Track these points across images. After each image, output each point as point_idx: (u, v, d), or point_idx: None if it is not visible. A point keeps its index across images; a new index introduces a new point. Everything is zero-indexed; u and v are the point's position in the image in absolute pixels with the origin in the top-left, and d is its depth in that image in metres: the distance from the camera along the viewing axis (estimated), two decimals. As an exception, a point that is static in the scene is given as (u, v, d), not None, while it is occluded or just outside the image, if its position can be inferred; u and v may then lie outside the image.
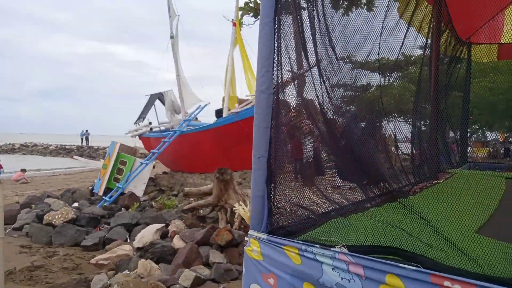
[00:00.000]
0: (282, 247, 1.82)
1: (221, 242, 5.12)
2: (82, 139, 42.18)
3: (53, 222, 6.80)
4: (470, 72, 5.77)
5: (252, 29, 13.38)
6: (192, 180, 10.90)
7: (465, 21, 4.83)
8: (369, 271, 1.49)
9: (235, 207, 6.48)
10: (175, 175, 11.73)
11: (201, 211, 7.58)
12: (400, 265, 1.42)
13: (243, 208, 5.29)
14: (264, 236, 1.92)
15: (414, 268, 1.39)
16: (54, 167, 25.06)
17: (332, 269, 1.61)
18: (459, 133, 5.70)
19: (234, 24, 11.90)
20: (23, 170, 17.35)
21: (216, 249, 5.10)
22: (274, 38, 2.04)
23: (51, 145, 43.07)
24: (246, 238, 5.67)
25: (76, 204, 8.60)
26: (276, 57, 2.07)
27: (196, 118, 12.90)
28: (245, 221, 6.54)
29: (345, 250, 1.58)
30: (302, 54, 2.34)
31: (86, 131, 42.76)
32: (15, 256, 5.61)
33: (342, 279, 1.57)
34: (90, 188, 10.81)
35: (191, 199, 8.57)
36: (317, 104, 2.29)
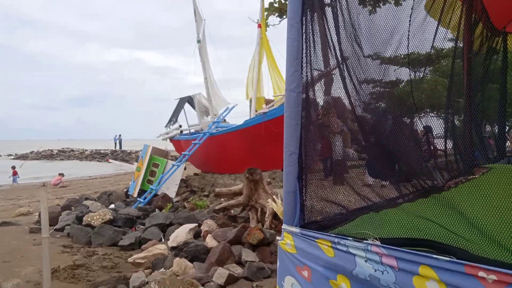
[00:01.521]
0: (315, 240, 1.85)
1: (253, 241, 5.19)
2: (115, 143, 43.60)
3: (91, 223, 7.11)
4: (506, 63, 5.53)
5: (277, 29, 13.41)
6: (222, 181, 11.05)
7: (499, 10, 4.65)
8: (402, 263, 1.50)
9: (266, 205, 6.54)
10: (205, 176, 11.94)
11: (232, 211, 7.69)
12: (434, 256, 1.42)
13: (275, 204, 5.34)
14: (297, 230, 1.96)
15: (448, 259, 1.39)
16: (90, 171, 26.11)
17: (365, 261, 1.62)
18: (496, 127, 5.48)
19: (259, 26, 11.98)
20: (61, 175, 18.23)
21: (248, 248, 5.17)
22: (302, 39, 2.08)
23: (86, 150, 44.84)
24: (278, 238, 5.71)
25: (112, 206, 8.94)
26: (304, 57, 2.11)
27: (225, 120, 13.07)
28: (276, 220, 6.59)
29: (377, 243, 1.59)
30: (330, 52, 2.36)
31: (119, 135, 44.17)
32: (58, 255, 5.91)
33: (375, 270, 1.59)
34: (125, 190, 11.19)
35: (222, 199, 8.70)
36: (346, 101, 2.30)
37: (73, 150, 46.46)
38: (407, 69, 2.89)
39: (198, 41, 12.85)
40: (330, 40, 2.33)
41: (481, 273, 1.32)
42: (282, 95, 11.26)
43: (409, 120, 3.10)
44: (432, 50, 3.02)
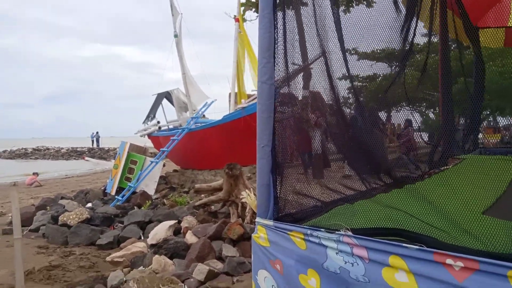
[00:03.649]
0: (288, 233, 1.86)
1: (233, 236, 5.19)
2: (92, 141, 42.68)
3: (68, 223, 6.95)
4: (480, 57, 5.68)
5: (254, 24, 13.37)
6: (202, 177, 10.99)
7: (473, 5, 4.76)
8: (373, 253, 1.53)
9: (243, 197, 6.54)
10: (185, 173, 11.84)
11: (213, 206, 7.65)
12: (404, 245, 1.45)
13: (249, 197, 5.34)
14: (271, 222, 1.96)
15: (417, 247, 1.42)
16: (67, 169, 25.48)
17: (336, 253, 1.64)
18: (469, 119, 5.64)
19: (237, 20, 11.91)
20: (36, 174, 17.68)
21: (228, 243, 5.17)
22: (274, 29, 2.07)
23: (62, 148, 43.67)
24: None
25: (89, 205, 8.76)
26: (278, 48, 2.10)
27: (204, 115, 12.97)
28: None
29: (349, 233, 1.61)
30: (304, 45, 2.37)
31: (97, 133, 43.25)
32: (33, 257, 5.75)
33: (345, 263, 1.60)
34: (102, 188, 10.97)
35: (202, 195, 8.65)
36: (325, 96, 2.31)
37: (48, 149, 45.14)
38: (383, 63, 2.93)
39: (175, 36, 12.67)
40: (306, 33, 2.33)
41: (448, 260, 1.35)
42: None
43: (386, 114, 3.15)
44: (407, 45, 3.07)
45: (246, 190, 6.24)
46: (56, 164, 31.21)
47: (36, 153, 42.50)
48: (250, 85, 12.84)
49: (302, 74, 2.45)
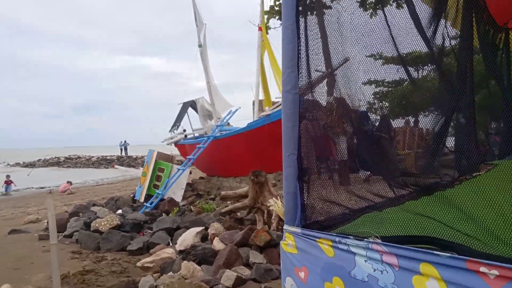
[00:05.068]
0: (316, 240, 1.87)
1: (260, 243, 5.21)
2: (121, 149, 43.86)
3: (100, 229, 7.17)
4: (509, 59, 5.51)
5: (278, 31, 13.45)
6: (228, 184, 11.09)
7: (500, 6, 4.64)
8: (403, 260, 1.51)
9: (270, 204, 6.56)
10: (211, 180, 11.98)
11: (239, 213, 7.71)
12: (435, 252, 1.43)
13: (277, 204, 5.35)
14: (298, 230, 1.98)
15: (449, 255, 1.40)
16: (97, 177, 26.31)
17: (365, 260, 1.64)
18: (502, 123, 5.45)
19: (260, 29, 12.03)
20: (69, 182, 18.40)
21: (255, 250, 5.19)
22: (298, 40, 2.10)
23: (93, 157, 45.11)
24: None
25: (120, 211, 9.00)
26: (301, 58, 2.13)
27: (228, 123, 13.12)
28: (283, 222, 6.60)
29: (378, 240, 1.61)
30: (327, 53, 2.39)
31: (125, 141, 44.42)
32: (68, 262, 5.97)
33: (374, 270, 1.60)
34: (131, 195, 11.26)
35: (228, 202, 8.73)
36: (349, 102, 2.32)
37: (79, 157, 46.77)
38: (409, 68, 2.90)
39: (200, 46, 12.92)
40: (330, 39, 2.35)
41: (482, 269, 1.33)
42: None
43: (414, 119, 3.11)
44: (434, 48, 3.03)
45: (273, 198, 6.26)
46: (87, 172, 32.29)
47: (68, 162, 44.09)
48: (274, 93, 12.91)
49: (326, 81, 2.47)
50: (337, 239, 1.77)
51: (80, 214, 8.88)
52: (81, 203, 11.01)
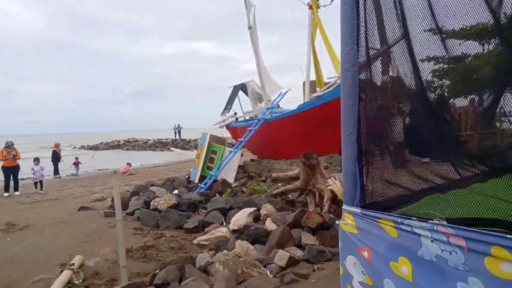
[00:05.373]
0: (378, 220, 1.83)
1: (312, 225, 5.21)
2: (175, 132, 45.64)
3: (158, 208, 7.60)
4: None
5: (329, 9, 13.00)
6: (278, 166, 11.15)
7: None
8: (472, 243, 1.44)
9: (324, 190, 6.51)
10: (262, 162, 12.11)
11: (290, 195, 7.75)
12: (508, 236, 1.35)
13: (335, 184, 5.29)
14: (358, 210, 1.95)
15: (524, 239, 1.31)
16: (154, 159, 27.71)
17: (431, 241, 1.58)
18: None
19: (310, 7, 11.71)
20: (129, 164, 19.58)
21: (307, 231, 5.21)
22: (356, 15, 2.02)
23: (149, 140, 47.45)
24: (337, 222, 5.64)
25: (176, 192, 9.44)
26: (360, 34, 2.05)
27: (278, 105, 13.08)
28: (335, 205, 6.54)
29: (444, 222, 1.54)
30: (386, 28, 2.28)
31: (178, 125, 46.11)
32: (131, 237, 6.41)
33: (442, 251, 1.54)
34: (186, 176, 11.74)
35: (279, 184, 8.80)
36: (407, 80, 2.21)
37: (137, 140, 49.41)
38: (474, 42, 2.68)
39: (249, 28, 12.89)
40: (388, 15, 2.24)
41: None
42: (337, 77, 10.97)
43: (478, 98, 2.89)
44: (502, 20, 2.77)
45: (332, 178, 6.22)
46: (144, 154, 34.11)
47: (127, 145, 46.79)
48: (326, 73, 12.60)
49: (384, 58, 2.36)
50: (399, 220, 1.73)
51: (140, 193, 9.45)
52: (140, 183, 11.69)
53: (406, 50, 2.24)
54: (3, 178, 13.41)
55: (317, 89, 11.21)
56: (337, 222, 5.33)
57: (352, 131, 1.99)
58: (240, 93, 15.26)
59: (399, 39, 2.26)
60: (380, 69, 2.27)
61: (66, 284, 4.54)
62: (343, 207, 2.07)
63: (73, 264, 4.90)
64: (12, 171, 13.25)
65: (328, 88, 10.23)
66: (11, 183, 13.31)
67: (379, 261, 1.81)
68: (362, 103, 2.00)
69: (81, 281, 4.69)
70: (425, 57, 2.41)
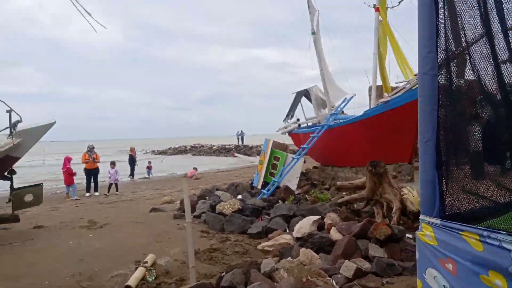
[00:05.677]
0: (460, 232, 1.71)
1: (380, 237, 5.00)
2: (238, 138, 46.72)
3: (223, 212, 7.81)
4: None
5: (396, 11, 12.47)
6: (343, 174, 10.88)
7: None
8: None
9: (392, 200, 6.23)
10: (325, 169, 11.91)
11: (355, 205, 7.52)
12: None
13: (411, 193, 5.06)
14: (437, 221, 1.84)
15: None
16: (218, 164, 28.62)
17: (526, 258, 1.44)
18: None
19: (377, 9, 11.32)
20: (195, 168, 20.45)
21: (374, 243, 5.01)
22: (436, 17, 1.93)
23: (214, 146, 49.12)
24: (408, 235, 5.33)
25: (239, 196, 9.63)
26: (438, 36, 1.95)
27: (343, 111, 12.79)
28: (405, 216, 6.21)
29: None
30: (466, 29, 2.13)
31: (241, 131, 47.17)
32: (198, 239, 6.66)
33: None
34: (249, 182, 11.93)
35: (344, 193, 8.58)
36: (486, 84, 2.05)
37: (202, 146, 51.44)
38: None
39: (313, 33, 12.81)
40: (468, 14, 2.10)
41: None
42: (405, 82, 10.46)
43: None
44: None
45: (408, 187, 5.96)
46: (209, 160, 35.39)
47: (193, 150, 48.92)
48: (392, 78, 12.07)
49: (463, 60, 2.21)
50: (485, 233, 1.60)
51: (206, 197, 9.79)
52: (206, 187, 12.12)
53: (489, 50, 2.09)
54: (85, 180, 14.76)
55: (385, 94, 10.77)
56: (407, 235, 5.05)
57: (431, 138, 1.89)
58: (303, 99, 15.19)
59: (479, 39, 2.11)
60: (461, 72, 2.14)
61: (140, 280, 4.85)
62: (420, 217, 1.96)
63: (146, 262, 5.22)
64: (92, 173, 14.55)
65: (396, 93, 9.78)
66: (92, 184, 14.61)
67: (466, 273, 1.69)
68: (442, 108, 1.89)
69: (153, 278, 4.98)
70: (506, 58, 2.22)
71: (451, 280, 1.77)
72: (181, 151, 49.65)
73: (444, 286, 1.81)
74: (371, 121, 9.97)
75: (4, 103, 7.02)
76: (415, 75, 9.94)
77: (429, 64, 1.90)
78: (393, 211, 6.18)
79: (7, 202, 7.99)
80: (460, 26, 2.12)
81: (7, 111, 7.11)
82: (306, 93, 14.95)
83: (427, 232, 1.91)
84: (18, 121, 7.19)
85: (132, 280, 4.74)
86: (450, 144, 1.90)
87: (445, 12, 2.01)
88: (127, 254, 5.71)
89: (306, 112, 15.40)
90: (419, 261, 1.96)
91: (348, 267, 4.15)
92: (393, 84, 11.81)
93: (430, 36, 1.91)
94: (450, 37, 2.04)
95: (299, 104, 15.25)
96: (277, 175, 10.48)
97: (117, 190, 14.98)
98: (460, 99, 2.20)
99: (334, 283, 4.05)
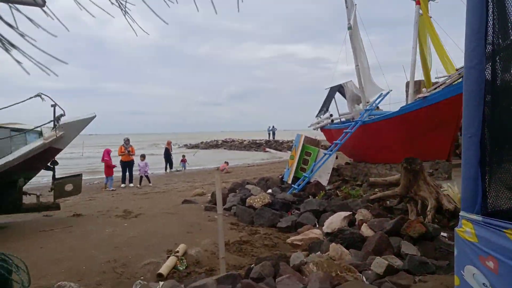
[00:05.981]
0: (504, 230, 1.63)
1: (413, 234, 4.87)
2: (269, 133, 46.75)
3: (253, 205, 7.86)
4: None
5: (438, 5, 11.92)
6: (376, 171, 10.63)
7: None
8: None
9: (428, 198, 6.02)
10: (358, 166, 11.68)
11: (388, 202, 7.33)
12: None
13: (451, 189, 4.90)
14: (479, 218, 1.76)
15: None
16: (249, 159, 28.78)
17: None
18: None
19: (418, 2, 10.90)
20: (226, 162, 20.69)
21: (407, 241, 4.87)
22: (485, 10, 1.83)
23: (245, 140, 49.43)
24: (442, 233, 5.15)
25: (270, 191, 9.65)
26: (487, 30, 1.85)
27: (378, 107, 12.47)
28: (440, 215, 5.99)
29: None
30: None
31: (273, 126, 47.16)
32: (228, 231, 6.75)
33: None
34: (280, 176, 11.92)
35: (376, 189, 8.38)
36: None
37: (234, 141, 51.89)
38: None
39: (349, 28, 12.52)
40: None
41: None
42: (446, 77, 10.04)
43: None
44: None
45: (448, 183, 5.79)
46: (240, 154, 35.67)
47: (225, 144, 49.47)
48: (432, 73, 11.61)
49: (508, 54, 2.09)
50: (531, 232, 1.51)
51: (237, 190, 9.88)
52: (236, 181, 12.23)
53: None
54: (121, 171, 15.30)
55: (423, 89, 10.38)
56: (442, 234, 4.88)
57: (475, 133, 1.81)
58: (337, 94, 14.93)
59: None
60: (508, 66, 2.03)
61: (172, 268, 4.98)
62: (460, 213, 1.88)
63: (177, 252, 5.35)
64: (127, 165, 15.05)
65: (436, 88, 9.40)
66: (127, 175, 15.12)
67: (509, 272, 1.60)
68: (487, 103, 1.80)
69: (184, 267, 5.10)
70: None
71: (491, 278, 1.69)
72: (213, 145, 50.35)
73: (483, 284, 1.73)
74: (408, 117, 9.65)
75: (50, 97, 7.40)
76: (457, 69, 9.52)
77: (477, 58, 1.81)
78: (428, 209, 5.98)
79: (49, 191, 8.43)
80: (508, 19, 2.00)
81: (52, 106, 7.48)
82: (340, 89, 14.70)
83: (467, 228, 1.83)
84: (62, 115, 7.56)
85: (164, 268, 4.87)
86: (494, 140, 1.81)
87: (494, 4, 1.91)
88: (159, 244, 5.88)
89: (340, 107, 15.15)
90: (457, 258, 1.89)
91: (379, 264, 4.06)
92: (433, 80, 11.37)
93: (478, 29, 1.81)
94: (497, 31, 1.94)
95: (333, 99, 15.00)
96: (308, 170, 10.40)
97: (149, 182, 15.41)
98: (508, 94, 2.08)
99: (364, 279, 3.98)
